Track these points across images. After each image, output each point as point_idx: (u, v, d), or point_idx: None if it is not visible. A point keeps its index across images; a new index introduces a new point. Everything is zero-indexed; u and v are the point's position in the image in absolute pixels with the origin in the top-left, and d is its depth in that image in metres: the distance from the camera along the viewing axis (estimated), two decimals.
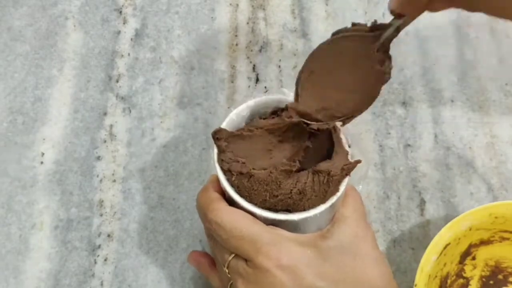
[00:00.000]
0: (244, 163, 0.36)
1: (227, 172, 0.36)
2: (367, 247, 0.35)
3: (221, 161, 0.36)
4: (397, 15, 0.34)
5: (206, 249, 0.45)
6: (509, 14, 0.34)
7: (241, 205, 0.35)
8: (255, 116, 0.39)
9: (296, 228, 0.36)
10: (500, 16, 0.35)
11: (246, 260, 0.33)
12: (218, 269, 0.37)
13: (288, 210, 0.36)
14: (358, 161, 0.35)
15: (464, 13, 0.55)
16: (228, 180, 0.36)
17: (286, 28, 0.54)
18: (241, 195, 0.35)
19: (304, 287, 0.32)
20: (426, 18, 0.56)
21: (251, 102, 0.39)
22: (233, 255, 0.34)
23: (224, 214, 0.34)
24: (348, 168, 0.36)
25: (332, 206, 0.36)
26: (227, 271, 0.35)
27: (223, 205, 0.35)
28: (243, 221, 0.34)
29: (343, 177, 0.36)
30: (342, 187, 0.36)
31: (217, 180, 0.36)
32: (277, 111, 0.39)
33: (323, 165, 0.36)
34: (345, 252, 0.34)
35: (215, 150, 0.37)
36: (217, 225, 0.34)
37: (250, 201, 0.35)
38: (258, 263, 0.32)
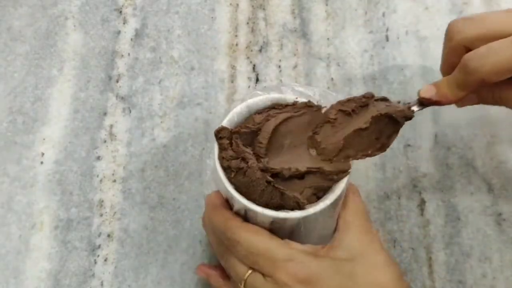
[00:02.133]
0: (244, 158, 0.36)
1: (227, 169, 0.36)
2: (374, 251, 0.35)
3: (221, 158, 0.37)
4: (427, 102, 0.39)
5: (206, 250, 0.45)
6: None
7: (241, 203, 0.35)
8: (252, 113, 0.40)
9: (298, 226, 0.36)
10: None
11: (263, 275, 0.34)
12: (232, 286, 0.38)
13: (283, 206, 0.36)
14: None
15: (464, 13, 0.55)
16: (228, 178, 0.36)
17: (286, 28, 0.54)
18: (241, 193, 0.36)
19: None
20: (426, 18, 0.56)
21: (250, 101, 0.39)
22: (250, 271, 0.35)
23: (242, 231, 0.35)
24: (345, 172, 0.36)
25: (333, 204, 0.36)
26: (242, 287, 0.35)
27: (240, 222, 0.36)
28: (259, 237, 0.35)
29: (342, 177, 0.37)
30: (342, 185, 0.37)
31: (222, 197, 0.38)
32: (274, 107, 0.40)
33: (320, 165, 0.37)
34: (355, 260, 0.35)
35: (216, 148, 0.37)
36: (236, 242, 0.35)
37: (249, 198, 0.35)
38: (276, 278, 0.33)
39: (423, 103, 0.40)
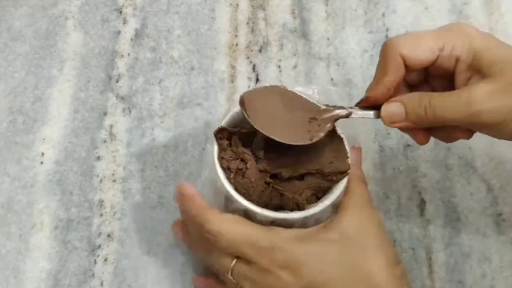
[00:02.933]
0: (243, 159, 0.36)
1: (226, 170, 0.36)
2: (369, 234, 0.35)
3: (221, 159, 0.37)
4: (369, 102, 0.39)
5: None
6: None
7: (240, 203, 0.35)
8: None
9: (298, 226, 0.36)
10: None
11: (248, 262, 0.34)
12: (223, 279, 0.37)
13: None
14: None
15: (464, 13, 0.55)
16: (227, 178, 0.36)
17: (286, 28, 0.54)
18: (240, 194, 0.36)
19: (306, 284, 0.33)
20: (426, 18, 0.56)
21: None
22: (234, 260, 0.35)
23: (221, 222, 0.35)
24: (345, 173, 0.37)
25: (332, 205, 0.36)
26: (232, 278, 0.35)
27: (217, 212, 0.36)
28: (240, 225, 0.35)
29: (341, 178, 0.37)
30: (341, 186, 0.37)
31: (195, 188, 0.37)
32: None
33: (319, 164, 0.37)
34: (345, 243, 0.34)
35: (215, 149, 0.37)
36: (217, 233, 0.34)
37: (248, 198, 0.35)
38: (260, 266, 0.33)
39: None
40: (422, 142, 0.39)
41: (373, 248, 0.34)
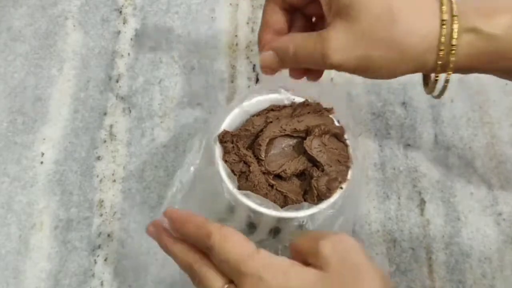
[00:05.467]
0: (245, 162, 0.37)
1: (229, 173, 0.37)
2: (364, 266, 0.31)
3: (225, 162, 0.37)
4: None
5: None
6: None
7: (246, 205, 0.35)
8: (250, 115, 0.40)
9: (303, 224, 0.36)
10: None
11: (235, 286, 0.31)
12: None
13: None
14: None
15: None
16: (232, 181, 0.36)
17: None
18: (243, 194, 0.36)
19: None
20: None
21: (247, 103, 0.40)
22: (226, 285, 0.31)
23: (216, 237, 0.31)
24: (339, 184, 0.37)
25: (334, 203, 0.36)
26: None
27: (219, 225, 0.32)
28: (231, 244, 0.31)
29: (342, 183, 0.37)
30: (343, 187, 0.37)
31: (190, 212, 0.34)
32: (272, 108, 0.40)
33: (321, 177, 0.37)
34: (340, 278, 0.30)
35: (218, 152, 0.37)
36: (211, 247, 0.31)
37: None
38: None
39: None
40: (297, 78, 0.39)
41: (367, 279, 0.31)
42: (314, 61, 0.35)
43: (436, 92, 0.38)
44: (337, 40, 0.34)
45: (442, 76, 0.35)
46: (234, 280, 0.31)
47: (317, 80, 0.39)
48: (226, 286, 0.31)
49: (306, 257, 0.31)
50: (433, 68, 0.35)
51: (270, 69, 0.38)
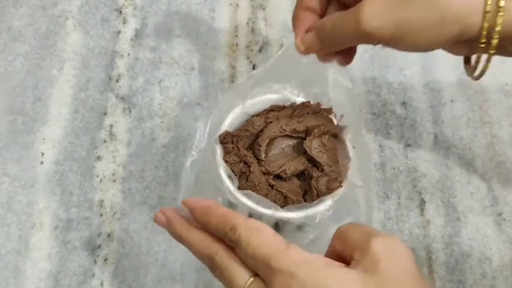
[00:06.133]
0: (246, 163, 0.37)
1: (230, 173, 0.37)
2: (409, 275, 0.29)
3: (225, 162, 0.37)
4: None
5: None
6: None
7: (245, 205, 0.35)
8: (249, 115, 0.40)
9: (302, 225, 0.36)
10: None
11: (264, 282, 0.29)
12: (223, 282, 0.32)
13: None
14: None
15: None
16: (232, 181, 0.36)
17: (286, 28, 0.54)
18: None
19: None
20: None
21: (248, 104, 0.40)
22: (252, 279, 0.29)
23: (243, 231, 0.30)
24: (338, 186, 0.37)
25: (334, 205, 0.36)
26: None
27: (244, 217, 0.31)
28: (261, 239, 0.29)
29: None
30: (342, 186, 0.37)
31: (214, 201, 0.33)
32: (272, 109, 0.40)
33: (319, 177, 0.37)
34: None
35: (218, 153, 0.37)
36: (237, 241, 0.30)
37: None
38: None
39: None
40: (326, 61, 0.38)
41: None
42: (349, 32, 0.34)
43: (477, 72, 0.36)
44: (373, 3, 0.33)
45: (483, 58, 0.34)
46: (263, 276, 0.29)
47: (347, 64, 0.38)
48: (251, 279, 0.29)
49: (352, 250, 0.29)
50: (478, 34, 0.32)
51: (310, 51, 0.37)
